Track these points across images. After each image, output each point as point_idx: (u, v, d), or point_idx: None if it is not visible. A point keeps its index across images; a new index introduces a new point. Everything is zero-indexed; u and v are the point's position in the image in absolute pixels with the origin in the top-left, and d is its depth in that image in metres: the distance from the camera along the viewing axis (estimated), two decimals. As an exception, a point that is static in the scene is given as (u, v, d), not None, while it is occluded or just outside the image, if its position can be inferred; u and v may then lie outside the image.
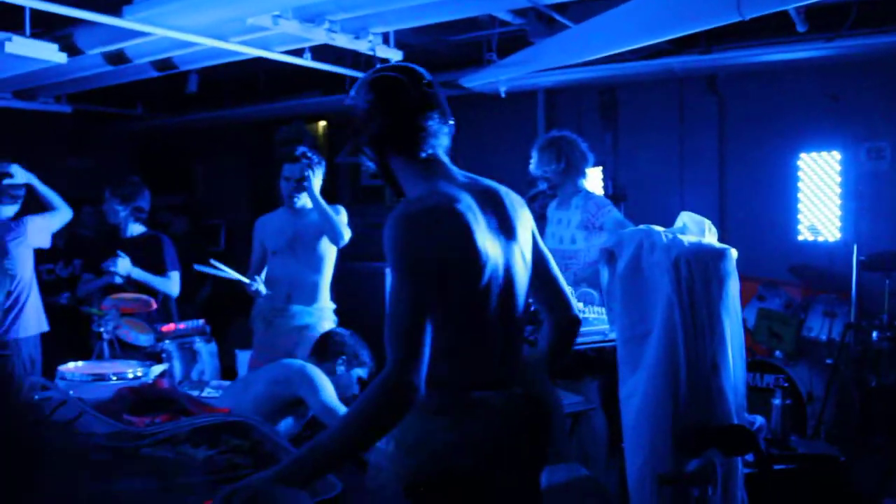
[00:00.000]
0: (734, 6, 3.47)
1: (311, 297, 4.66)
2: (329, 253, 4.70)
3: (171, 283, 5.17)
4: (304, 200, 4.61)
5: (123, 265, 4.94)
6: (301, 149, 4.57)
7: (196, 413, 2.41)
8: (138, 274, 5.01)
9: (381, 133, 2.16)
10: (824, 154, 6.45)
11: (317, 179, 4.58)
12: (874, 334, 5.33)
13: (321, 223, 4.53)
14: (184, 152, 10.86)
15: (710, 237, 3.36)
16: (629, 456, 3.13)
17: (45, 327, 5.15)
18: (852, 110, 6.33)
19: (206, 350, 5.04)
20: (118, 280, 4.97)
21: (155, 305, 4.86)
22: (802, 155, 6.52)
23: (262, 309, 4.73)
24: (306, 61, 5.78)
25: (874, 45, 5.70)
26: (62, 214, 5.19)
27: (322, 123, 10.06)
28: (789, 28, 5.35)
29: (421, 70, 2.19)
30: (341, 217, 4.56)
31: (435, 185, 2.11)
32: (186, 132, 10.33)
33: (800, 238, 6.59)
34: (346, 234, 4.54)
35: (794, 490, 3.50)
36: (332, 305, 4.79)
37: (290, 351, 4.58)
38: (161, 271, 5.12)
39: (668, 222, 3.39)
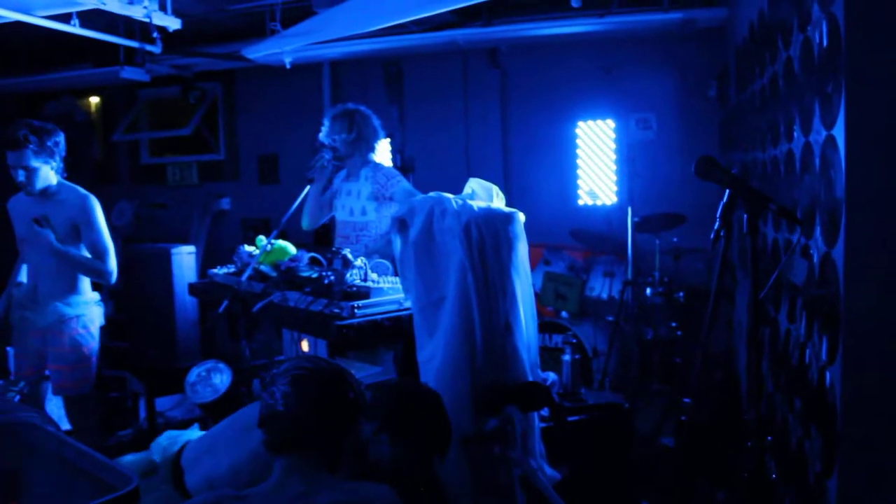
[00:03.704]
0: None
1: (65, 288, 4.30)
2: None
3: None
4: (45, 182, 4.17)
5: None
6: (22, 131, 4.04)
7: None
8: None
9: None
10: (599, 122, 6.85)
11: (46, 168, 4.14)
12: (648, 291, 5.75)
13: (77, 212, 4.20)
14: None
15: (499, 202, 3.45)
16: (430, 419, 3.17)
17: None
18: (623, 83, 6.76)
19: None
20: None
21: None
22: (580, 123, 6.89)
23: (19, 299, 4.38)
24: (73, 28, 5.32)
25: (639, 22, 6.12)
26: None
27: (95, 99, 9.41)
28: (566, 3, 5.58)
29: None
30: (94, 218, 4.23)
31: None
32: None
33: (580, 203, 6.97)
34: (112, 267, 4.26)
35: (587, 437, 3.70)
36: (96, 296, 4.46)
37: (39, 349, 4.27)
38: None
39: (456, 191, 3.43)
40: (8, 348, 5.55)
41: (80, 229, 4.22)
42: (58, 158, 4.18)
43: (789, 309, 3.20)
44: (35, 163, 4.07)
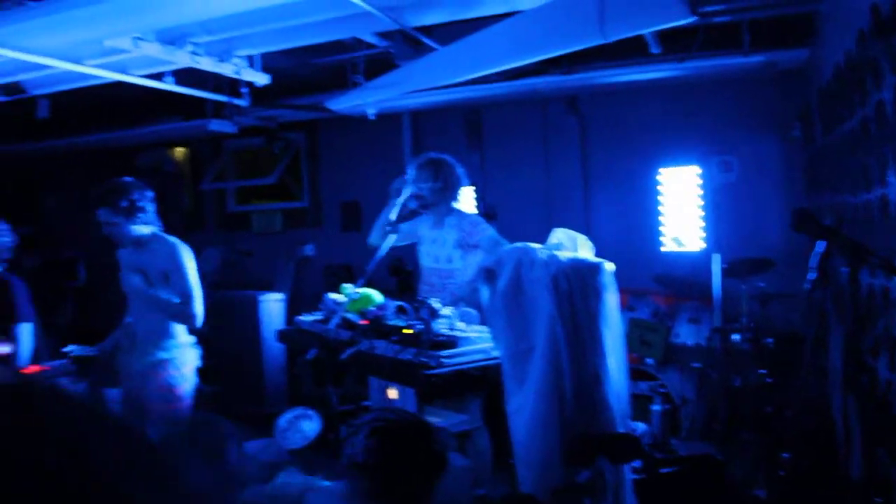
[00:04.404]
0: (598, 30, 3.60)
1: (159, 332, 4.40)
2: None
3: (22, 344, 4.64)
4: (129, 235, 4.29)
5: None
6: (97, 192, 4.20)
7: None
8: None
9: None
10: (683, 168, 6.78)
11: (128, 224, 4.23)
12: (735, 337, 5.62)
13: (166, 260, 4.29)
14: (30, 181, 10.28)
15: (585, 251, 3.46)
16: (521, 470, 3.16)
17: None
18: (704, 126, 6.70)
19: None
20: None
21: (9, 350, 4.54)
22: (662, 169, 6.83)
23: (122, 343, 4.55)
24: (168, 85, 5.56)
25: (719, 65, 6.07)
26: None
27: (183, 149, 9.77)
28: (644, 50, 5.60)
29: None
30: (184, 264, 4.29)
31: None
32: (34, 160, 9.80)
33: (663, 249, 6.88)
34: (196, 311, 4.26)
35: (679, 490, 3.63)
36: (191, 339, 4.55)
37: (138, 390, 4.39)
38: (10, 320, 4.66)
39: (539, 237, 3.45)
40: (105, 390, 5.75)
41: (170, 277, 4.32)
42: (140, 214, 4.26)
43: (890, 360, 3.11)
44: (113, 220, 4.22)
